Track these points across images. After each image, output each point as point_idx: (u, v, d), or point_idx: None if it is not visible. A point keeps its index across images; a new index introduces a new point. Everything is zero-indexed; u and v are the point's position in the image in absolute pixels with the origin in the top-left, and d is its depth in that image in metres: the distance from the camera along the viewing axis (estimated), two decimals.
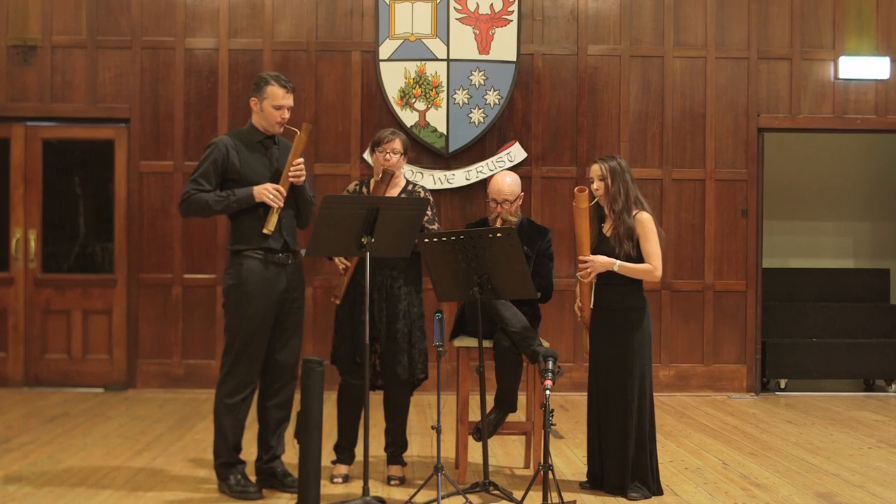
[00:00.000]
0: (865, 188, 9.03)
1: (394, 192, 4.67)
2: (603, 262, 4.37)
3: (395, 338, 4.56)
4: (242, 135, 4.45)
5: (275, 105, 4.35)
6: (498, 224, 4.65)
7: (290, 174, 4.33)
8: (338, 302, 4.60)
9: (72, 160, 7.55)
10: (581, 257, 4.41)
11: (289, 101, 4.38)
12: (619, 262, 4.35)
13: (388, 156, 4.60)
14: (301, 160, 4.35)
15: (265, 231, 4.29)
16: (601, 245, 4.45)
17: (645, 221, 4.38)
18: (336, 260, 4.58)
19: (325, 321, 6.95)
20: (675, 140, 7.48)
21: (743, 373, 7.50)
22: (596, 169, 4.48)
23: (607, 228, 4.48)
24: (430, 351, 4.78)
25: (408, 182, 4.79)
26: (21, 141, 7.34)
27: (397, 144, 4.62)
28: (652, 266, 4.36)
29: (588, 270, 4.40)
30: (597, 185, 4.46)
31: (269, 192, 4.28)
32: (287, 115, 4.39)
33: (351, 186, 4.81)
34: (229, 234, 4.47)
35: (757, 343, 7.52)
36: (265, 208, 4.32)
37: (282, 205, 4.31)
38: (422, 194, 4.72)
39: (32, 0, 7.26)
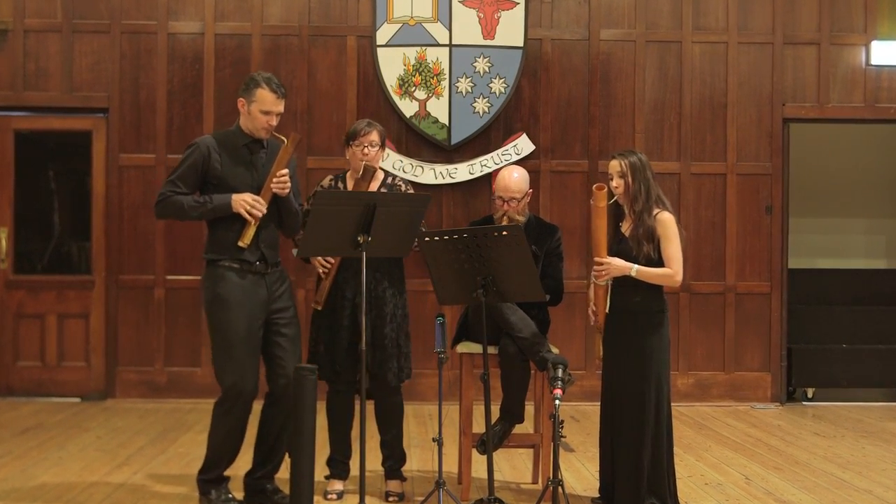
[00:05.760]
0: None
1: (373, 186, 4.65)
2: (620, 265, 4.37)
3: (384, 343, 4.58)
4: (227, 136, 4.43)
5: (263, 110, 4.32)
6: (504, 223, 4.65)
7: (272, 185, 4.31)
8: (319, 307, 4.59)
9: (46, 153, 7.56)
10: (597, 259, 4.41)
11: (279, 107, 4.36)
12: (637, 266, 4.35)
13: (366, 150, 4.59)
14: (286, 171, 4.32)
15: (240, 244, 4.28)
16: (619, 246, 4.45)
17: (667, 222, 4.38)
18: (316, 262, 4.58)
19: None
20: (693, 131, 7.48)
21: (767, 381, 7.49)
22: (615, 165, 4.46)
23: (626, 228, 4.48)
24: (413, 352, 4.82)
25: (387, 174, 4.80)
26: None
27: (375, 136, 4.62)
28: (672, 271, 4.37)
29: (604, 273, 4.40)
30: (616, 183, 4.45)
31: (246, 205, 4.26)
32: (275, 121, 4.38)
33: (325, 182, 4.78)
34: (206, 242, 4.46)
35: (782, 349, 7.51)
36: (243, 219, 4.30)
37: (259, 216, 4.28)
38: (402, 188, 4.74)
39: None
